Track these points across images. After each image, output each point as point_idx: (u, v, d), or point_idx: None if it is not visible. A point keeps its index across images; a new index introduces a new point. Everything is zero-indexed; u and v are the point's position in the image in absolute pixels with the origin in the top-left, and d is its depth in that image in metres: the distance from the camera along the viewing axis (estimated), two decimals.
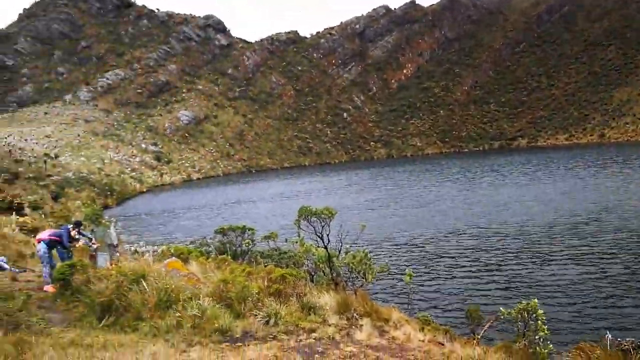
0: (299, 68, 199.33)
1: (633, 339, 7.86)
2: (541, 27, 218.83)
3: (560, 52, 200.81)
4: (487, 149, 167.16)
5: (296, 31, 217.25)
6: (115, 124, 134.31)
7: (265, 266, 10.98)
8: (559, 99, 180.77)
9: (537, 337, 11.84)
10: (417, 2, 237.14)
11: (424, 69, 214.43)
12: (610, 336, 11.95)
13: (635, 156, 79.77)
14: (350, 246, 13.93)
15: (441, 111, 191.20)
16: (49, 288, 11.12)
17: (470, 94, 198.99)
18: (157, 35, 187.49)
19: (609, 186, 46.94)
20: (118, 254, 12.53)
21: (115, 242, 12.43)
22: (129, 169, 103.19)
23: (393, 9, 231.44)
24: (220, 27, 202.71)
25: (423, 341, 9.37)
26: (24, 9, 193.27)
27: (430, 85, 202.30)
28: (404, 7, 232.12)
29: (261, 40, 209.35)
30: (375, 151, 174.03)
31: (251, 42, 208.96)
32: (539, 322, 11.93)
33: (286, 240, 16.34)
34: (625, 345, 7.65)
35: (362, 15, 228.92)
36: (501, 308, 12.44)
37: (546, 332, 11.75)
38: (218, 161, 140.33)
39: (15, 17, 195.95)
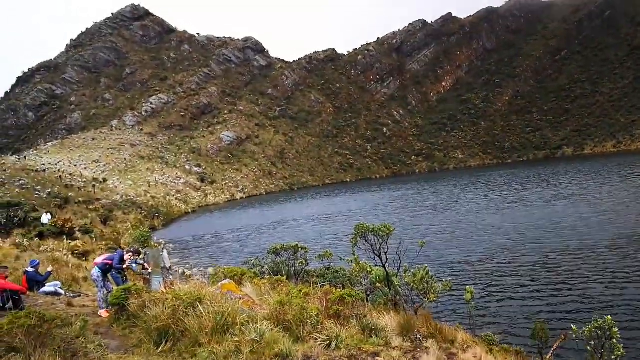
0: (337, 85, 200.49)
1: None
2: (582, 33, 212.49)
3: (603, 58, 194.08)
4: (532, 159, 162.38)
5: (334, 49, 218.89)
6: (160, 147, 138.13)
7: (321, 286, 10.63)
8: (604, 105, 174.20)
9: (613, 357, 11.02)
10: (454, 15, 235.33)
11: (462, 81, 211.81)
12: None
13: None
14: (409, 264, 13.43)
15: (482, 122, 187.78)
16: (104, 313, 11.11)
17: (512, 104, 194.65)
18: (197, 59, 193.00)
19: None
20: (171, 277, 12.46)
21: (168, 265, 12.37)
22: (174, 191, 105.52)
23: (430, 22, 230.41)
24: (258, 48, 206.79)
25: None
26: (71, 40, 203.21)
27: (470, 97, 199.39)
28: (441, 20, 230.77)
29: (299, 59, 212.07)
30: (417, 165, 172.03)
31: (289, 62, 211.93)
32: (614, 340, 11.08)
33: (341, 259, 15.93)
34: None
35: (399, 30, 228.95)
36: (572, 326, 11.65)
37: (622, 352, 10.91)
38: (260, 180, 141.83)
39: (63, 48, 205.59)
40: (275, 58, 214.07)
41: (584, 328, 11.00)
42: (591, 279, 21.35)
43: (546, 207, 45.27)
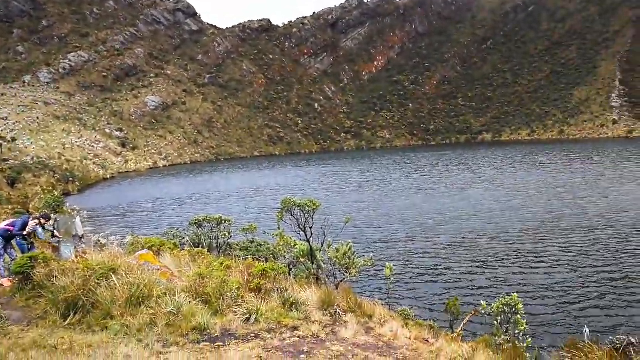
0: (271, 57, 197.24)
1: (626, 337, 7.70)
2: (507, 25, 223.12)
3: (525, 50, 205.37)
4: (454, 142, 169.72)
5: (269, 19, 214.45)
6: (78, 107, 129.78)
7: (244, 260, 10.46)
8: (522, 95, 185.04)
9: (516, 331, 11.75)
10: None
11: (394, 62, 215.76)
12: (588, 331, 11.90)
13: (600, 152, 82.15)
14: (333, 240, 13.54)
15: (410, 104, 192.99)
16: (5, 282, 10.32)
17: (439, 88, 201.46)
18: (124, 17, 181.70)
19: (580, 182, 48.07)
20: (84, 246, 11.75)
21: (80, 233, 11.63)
22: (92, 155, 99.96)
23: (366, 1, 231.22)
24: (190, 12, 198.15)
25: (410, 338, 9.04)
26: None
27: (401, 78, 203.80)
28: (377, 0, 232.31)
29: (233, 27, 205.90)
30: (346, 142, 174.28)
31: (222, 29, 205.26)
32: (518, 316, 11.84)
33: (264, 233, 15.78)
34: (618, 344, 7.45)
35: (335, 6, 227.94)
36: (482, 302, 12.31)
37: (525, 327, 11.68)
38: (186, 148, 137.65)
39: None
40: (208, 24, 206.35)
41: (493, 304, 11.63)
42: (503, 260, 22.71)
43: (465, 190, 47.50)
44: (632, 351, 7.07)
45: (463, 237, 27.41)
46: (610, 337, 7.87)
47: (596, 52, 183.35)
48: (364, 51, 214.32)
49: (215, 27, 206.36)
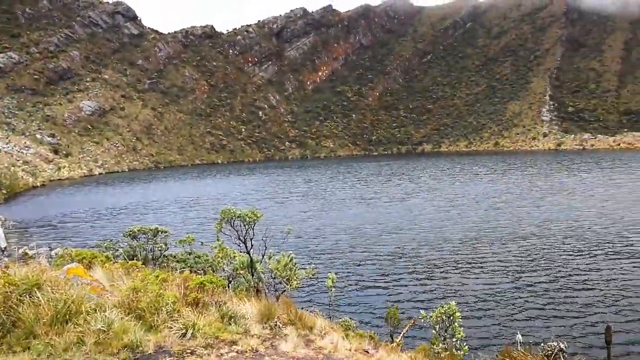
0: (214, 63, 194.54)
1: (557, 344, 8.04)
2: (447, 40, 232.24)
3: (463, 65, 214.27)
4: (395, 152, 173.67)
5: (212, 26, 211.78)
6: (7, 111, 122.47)
7: (181, 272, 10.10)
8: (460, 108, 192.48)
9: (454, 340, 12.01)
10: (334, 8, 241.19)
11: (338, 73, 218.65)
12: (520, 337, 12.35)
13: (533, 163, 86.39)
14: (275, 251, 13.38)
15: (354, 115, 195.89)
16: None
17: (381, 100, 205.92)
18: (59, 18, 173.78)
19: (515, 193, 50.22)
20: (6, 259, 10.96)
21: (3, 245, 10.84)
22: (21, 161, 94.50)
23: (310, 11, 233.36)
24: (130, 15, 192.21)
25: (350, 350, 9.00)
26: None
27: (344, 89, 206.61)
28: (321, 11, 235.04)
29: (175, 32, 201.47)
30: (290, 151, 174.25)
31: (164, 34, 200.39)
32: (456, 324, 12.13)
33: (202, 244, 15.36)
34: (549, 351, 7.76)
35: (280, 15, 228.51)
36: (421, 311, 12.50)
37: (462, 335, 11.97)
38: (123, 156, 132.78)
39: None
40: (149, 28, 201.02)
41: (431, 313, 11.84)
42: (442, 269, 23.28)
43: (406, 200, 48.53)
44: (562, 357, 7.38)
45: (404, 247, 27.91)
46: (542, 345, 8.20)
47: (528, 68, 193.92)
48: (309, 61, 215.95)
49: (156, 31, 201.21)
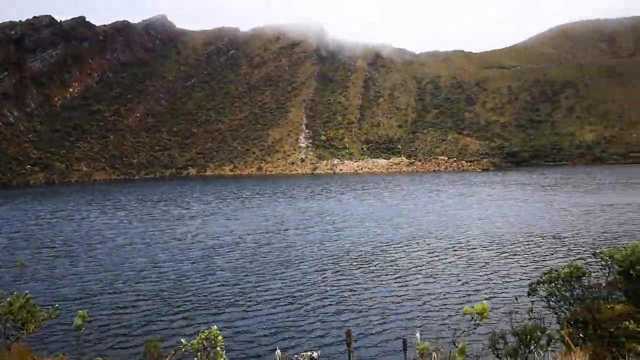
0: None
1: (309, 353, 8.10)
2: (211, 65, 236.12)
3: (227, 91, 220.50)
4: (159, 176, 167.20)
5: None
6: None
7: None
8: (225, 133, 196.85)
9: None
10: (87, 20, 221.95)
11: (93, 90, 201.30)
12: (279, 352, 12.39)
13: (295, 187, 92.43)
14: (6, 291, 10.90)
15: (112, 136, 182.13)
16: None
17: (143, 121, 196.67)
18: None
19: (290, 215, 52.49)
20: None
21: None
22: None
23: (59, 21, 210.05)
24: None
25: None
26: None
27: (101, 108, 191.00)
28: (72, 22, 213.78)
29: None
30: (32, 175, 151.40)
31: None
32: (218, 349, 11.54)
33: None
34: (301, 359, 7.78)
35: (21, 21, 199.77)
36: (182, 339, 11.57)
37: (225, 357, 11.44)
38: None
39: None
40: None
41: (193, 340, 11.03)
42: (195, 295, 22.48)
43: (171, 227, 46.48)
44: None
45: (166, 275, 26.33)
46: (295, 356, 8.16)
47: (287, 98, 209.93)
48: (57, 75, 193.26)
49: None
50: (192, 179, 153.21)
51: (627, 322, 4.93)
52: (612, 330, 5.07)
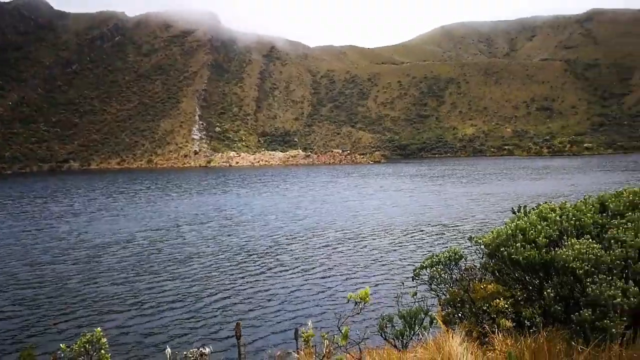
0: None
1: (197, 349, 7.97)
2: (94, 51, 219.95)
3: (113, 79, 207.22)
4: (36, 171, 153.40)
5: None
6: None
7: None
8: (111, 124, 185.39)
9: None
10: None
11: None
12: (169, 350, 12.02)
13: (188, 181, 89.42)
14: None
15: None
16: None
17: (16, 110, 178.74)
18: None
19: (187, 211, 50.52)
20: None
21: None
22: None
23: None
24: None
25: None
26: None
27: None
28: None
29: None
30: None
31: None
32: (103, 351, 10.92)
33: None
34: (191, 357, 7.69)
35: None
36: (61, 345, 10.73)
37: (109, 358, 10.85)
38: None
39: None
40: None
41: (73, 345, 10.28)
42: (90, 298, 21.12)
43: (52, 226, 43.00)
44: None
45: (45, 278, 24.29)
46: (185, 353, 7.98)
47: (179, 88, 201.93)
48: None
49: None
50: (74, 173, 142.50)
51: (497, 300, 5.39)
52: (485, 308, 5.52)
